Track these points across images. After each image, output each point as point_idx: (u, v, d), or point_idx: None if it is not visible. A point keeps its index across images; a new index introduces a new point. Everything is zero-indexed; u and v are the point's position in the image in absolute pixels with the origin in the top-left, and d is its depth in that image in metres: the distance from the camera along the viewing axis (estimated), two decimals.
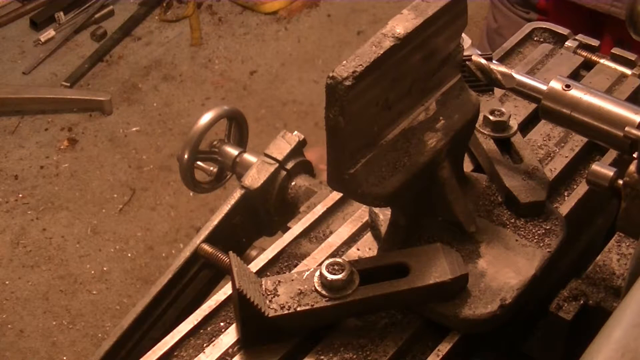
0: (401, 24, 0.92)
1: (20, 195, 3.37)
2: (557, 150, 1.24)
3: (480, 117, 1.13)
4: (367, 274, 0.95)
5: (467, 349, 1.01)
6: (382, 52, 0.89)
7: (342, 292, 0.94)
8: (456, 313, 0.96)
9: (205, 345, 0.99)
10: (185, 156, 1.44)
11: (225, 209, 1.39)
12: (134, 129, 3.65)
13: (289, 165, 1.40)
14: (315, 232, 1.16)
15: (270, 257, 1.10)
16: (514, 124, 1.19)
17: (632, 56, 1.39)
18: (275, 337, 0.96)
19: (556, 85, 1.07)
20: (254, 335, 0.96)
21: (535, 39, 1.48)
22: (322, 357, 0.96)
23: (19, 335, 2.88)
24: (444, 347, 0.97)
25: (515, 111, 1.29)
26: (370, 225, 1.11)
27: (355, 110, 0.88)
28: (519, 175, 1.11)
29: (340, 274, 0.94)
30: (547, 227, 1.07)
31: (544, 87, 1.08)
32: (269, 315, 0.92)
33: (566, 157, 1.23)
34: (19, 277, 3.06)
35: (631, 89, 1.35)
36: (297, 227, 1.16)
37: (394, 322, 0.99)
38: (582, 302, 1.08)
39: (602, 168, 1.02)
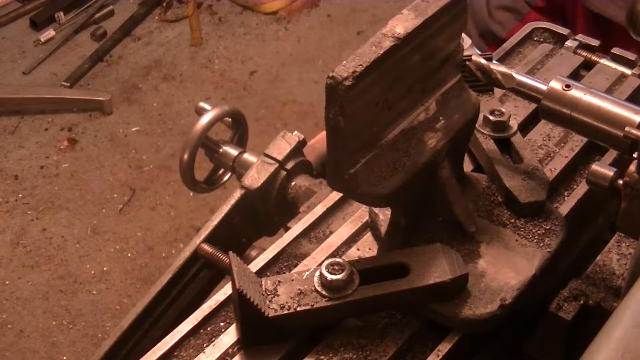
0: (401, 24, 0.92)
1: (20, 195, 3.37)
2: (557, 150, 1.24)
3: (480, 117, 1.13)
4: (367, 274, 0.95)
5: (467, 349, 1.01)
6: (382, 52, 0.89)
7: (342, 292, 0.94)
8: (456, 313, 0.97)
9: (205, 345, 0.99)
10: (185, 156, 1.44)
11: (225, 209, 1.39)
12: (134, 129, 3.65)
13: (289, 165, 1.40)
14: (315, 232, 1.16)
15: (270, 257, 1.10)
16: (514, 124, 1.19)
17: (632, 56, 1.39)
18: (275, 337, 0.96)
19: (556, 85, 1.07)
20: (254, 335, 0.96)
21: (535, 39, 1.48)
22: (322, 357, 0.96)
23: (19, 335, 2.88)
24: (444, 347, 0.97)
25: (515, 111, 1.29)
26: (370, 225, 1.11)
27: (355, 110, 0.88)
28: (519, 175, 1.11)
29: (340, 274, 0.94)
30: (547, 227, 1.07)
31: (544, 87, 1.08)
32: (269, 315, 0.92)
33: (566, 157, 1.23)
34: (19, 277, 3.06)
35: (631, 89, 1.35)
36: (297, 227, 1.16)
37: (394, 322, 0.99)
38: (582, 302, 1.08)
39: (602, 168, 1.02)
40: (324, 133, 0.91)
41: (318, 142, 1.62)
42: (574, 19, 2.08)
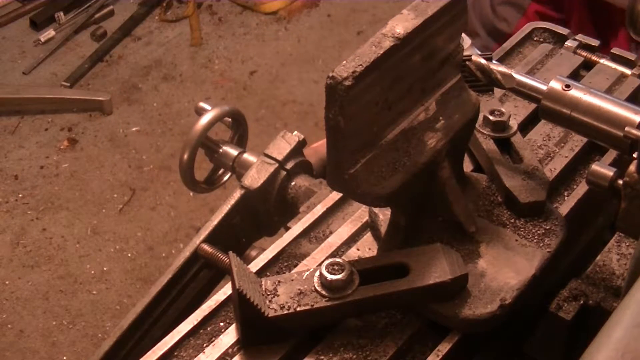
0: (401, 24, 0.92)
1: (20, 195, 3.37)
2: (557, 150, 1.24)
3: (480, 117, 1.13)
4: (367, 274, 0.95)
5: (467, 349, 1.01)
6: (382, 52, 0.89)
7: (342, 292, 0.94)
8: (456, 313, 0.96)
9: (205, 345, 0.99)
10: (185, 156, 1.44)
11: (225, 209, 1.39)
12: (134, 129, 3.65)
13: (289, 165, 1.40)
14: (315, 232, 1.16)
15: (270, 257, 1.10)
16: (514, 124, 1.19)
17: (632, 56, 1.39)
18: (275, 337, 0.96)
19: (556, 85, 1.07)
20: (254, 335, 0.96)
21: (535, 39, 1.48)
22: (322, 357, 0.96)
23: (19, 335, 2.88)
24: (444, 347, 0.97)
25: (515, 111, 1.29)
26: (370, 225, 1.11)
27: (355, 110, 0.88)
28: (519, 175, 1.11)
29: (340, 274, 0.94)
30: (547, 227, 1.07)
31: (544, 87, 1.08)
32: (269, 315, 0.92)
33: (566, 157, 1.23)
34: (19, 277, 3.06)
35: (631, 89, 1.35)
36: (297, 227, 1.16)
37: (394, 322, 0.99)
38: (582, 302, 1.08)
39: (602, 168, 1.02)
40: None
41: (321, 145, 1.62)
42: (570, 5, 2.11)
